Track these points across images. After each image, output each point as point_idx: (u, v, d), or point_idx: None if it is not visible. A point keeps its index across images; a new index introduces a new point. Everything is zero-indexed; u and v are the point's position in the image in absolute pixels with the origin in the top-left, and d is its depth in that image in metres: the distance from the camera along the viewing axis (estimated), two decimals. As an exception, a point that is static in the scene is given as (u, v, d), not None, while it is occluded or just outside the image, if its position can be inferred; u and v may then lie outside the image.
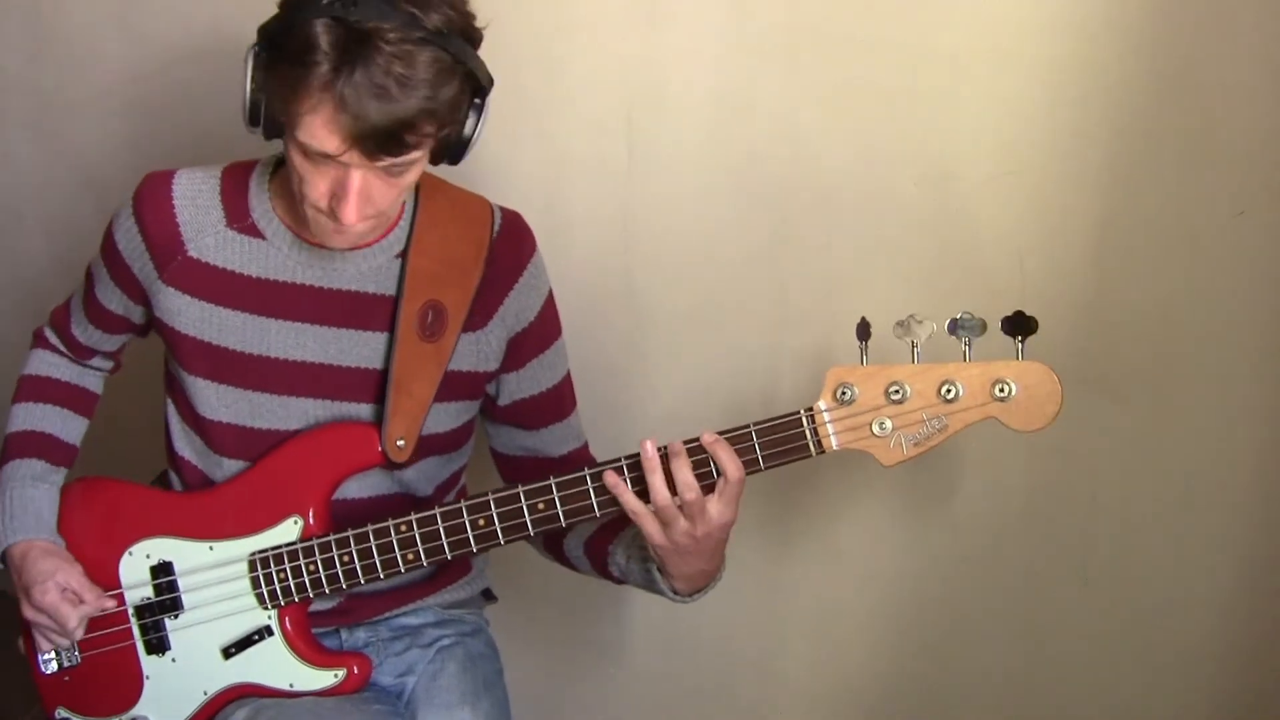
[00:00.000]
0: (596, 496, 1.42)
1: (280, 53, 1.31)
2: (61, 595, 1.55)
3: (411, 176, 1.38)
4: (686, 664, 2.04)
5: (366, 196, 1.36)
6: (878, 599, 1.83)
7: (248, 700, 1.55)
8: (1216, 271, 1.51)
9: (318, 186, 1.37)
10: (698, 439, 1.39)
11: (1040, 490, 1.67)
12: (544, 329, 1.61)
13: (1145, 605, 1.63)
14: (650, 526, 1.40)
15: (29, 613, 1.57)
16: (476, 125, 1.39)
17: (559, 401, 1.66)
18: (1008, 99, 1.58)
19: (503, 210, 1.59)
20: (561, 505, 1.43)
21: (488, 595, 1.80)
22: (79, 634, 1.56)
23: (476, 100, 1.38)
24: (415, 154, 1.34)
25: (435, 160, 1.41)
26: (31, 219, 2.56)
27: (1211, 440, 1.54)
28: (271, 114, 1.37)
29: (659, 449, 1.38)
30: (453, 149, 1.40)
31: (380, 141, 1.30)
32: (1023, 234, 1.61)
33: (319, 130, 1.30)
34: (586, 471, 1.43)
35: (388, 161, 1.32)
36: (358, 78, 1.26)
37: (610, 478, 1.40)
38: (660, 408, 1.95)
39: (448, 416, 1.58)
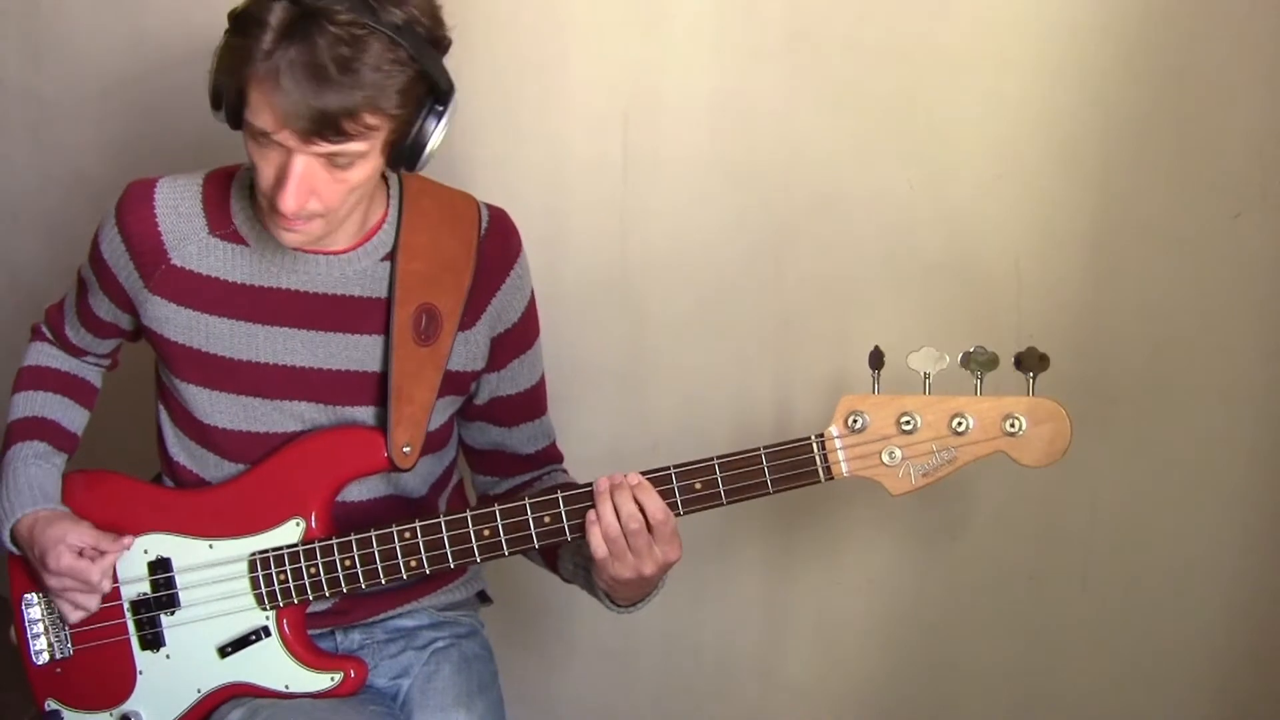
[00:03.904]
0: None
1: (235, 31, 1.32)
2: (76, 555, 1.52)
3: (359, 173, 1.36)
4: (685, 666, 2.05)
5: (309, 186, 1.34)
6: (877, 602, 1.85)
7: (243, 700, 1.55)
8: (1213, 273, 1.52)
9: (265, 172, 1.36)
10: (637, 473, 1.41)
11: (1039, 494, 1.68)
12: (526, 329, 1.61)
13: (1145, 609, 1.65)
14: (605, 569, 1.43)
15: (51, 580, 1.54)
16: (434, 131, 1.37)
17: (535, 401, 1.67)
18: (1004, 102, 1.59)
19: (489, 207, 1.59)
20: (568, 520, 1.44)
21: (483, 597, 1.81)
22: (106, 585, 1.53)
23: (439, 107, 1.36)
24: (356, 145, 1.32)
25: (391, 164, 1.39)
26: (29, 221, 2.53)
27: (1210, 442, 1.56)
28: (230, 99, 1.35)
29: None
30: (406, 152, 1.37)
31: (315, 123, 1.28)
32: (1019, 236, 1.62)
33: (258, 106, 1.30)
34: (593, 487, 1.43)
35: (327, 148, 1.31)
36: (294, 54, 1.26)
37: (591, 517, 1.42)
38: (658, 411, 1.96)
39: (438, 412, 1.58)
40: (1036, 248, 1.61)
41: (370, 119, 1.30)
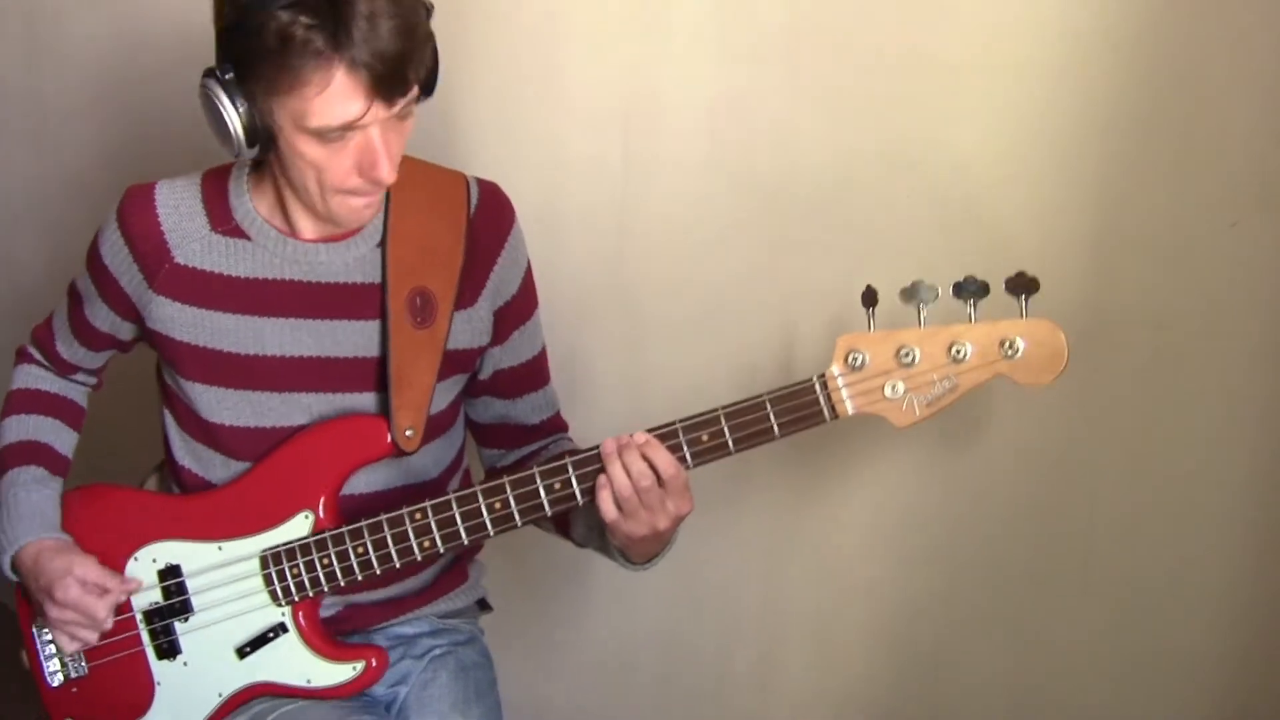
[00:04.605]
0: None
1: (255, 61, 1.32)
2: (84, 589, 1.52)
3: (412, 119, 1.41)
4: (681, 673, 2.04)
5: (390, 150, 1.38)
6: (876, 604, 1.84)
7: (248, 706, 1.55)
8: (1211, 281, 1.52)
9: (340, 168, 1.38)
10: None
11: (1039, 495, 1.68)
12: (525, 300, 1.63)
13: (1145, 608, 1.64)
14: (619, 528, 1.43)
15: (54, 612, 1.53)
16: (435, 48, 1.42)
17: (537, 371, 1.68)
18: (1003, 107, 1.59)
19: (480, 183, 1.60)
20: (578, 484, 1.44)
21: (483, 605, 1.80)
22: (109, 624, 1.54)
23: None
24: (416, 88, 1.37)
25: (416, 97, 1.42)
26: (27, 226, 2.53)
27: (1209, 446, 1.56)
28: (265, 127, 1.38)
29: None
30: (429, 78, 1.42)
31: (395, 84, 1.33)
32: (1018, 241, 1.61)
33: (337, 103, 1.32)
34: (601, 449, 1.44)
35: (401, 104, 1.35)
36: (355, 35, 1.29)
37: (600, 482, 1.42)
38: (656, 412, 1.90)
39: (443, 394, 1.59)
40: (1036, 253, 1.58)
41: (418, 56, 1.35)
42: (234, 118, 1.37)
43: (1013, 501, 1.70)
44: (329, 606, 1.59)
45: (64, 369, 1.69)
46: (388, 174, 1.37)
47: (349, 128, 1.34)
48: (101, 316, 1.59)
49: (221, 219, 1.52)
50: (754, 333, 1.83)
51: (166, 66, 2.23)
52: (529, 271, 1.62)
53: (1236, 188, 1.48)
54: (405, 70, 1.33)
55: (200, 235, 1.51)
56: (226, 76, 1.36)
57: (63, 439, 1.68)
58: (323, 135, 1.35)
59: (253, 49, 1.32)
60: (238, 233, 1.52)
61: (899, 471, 1.73)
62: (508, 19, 1.90)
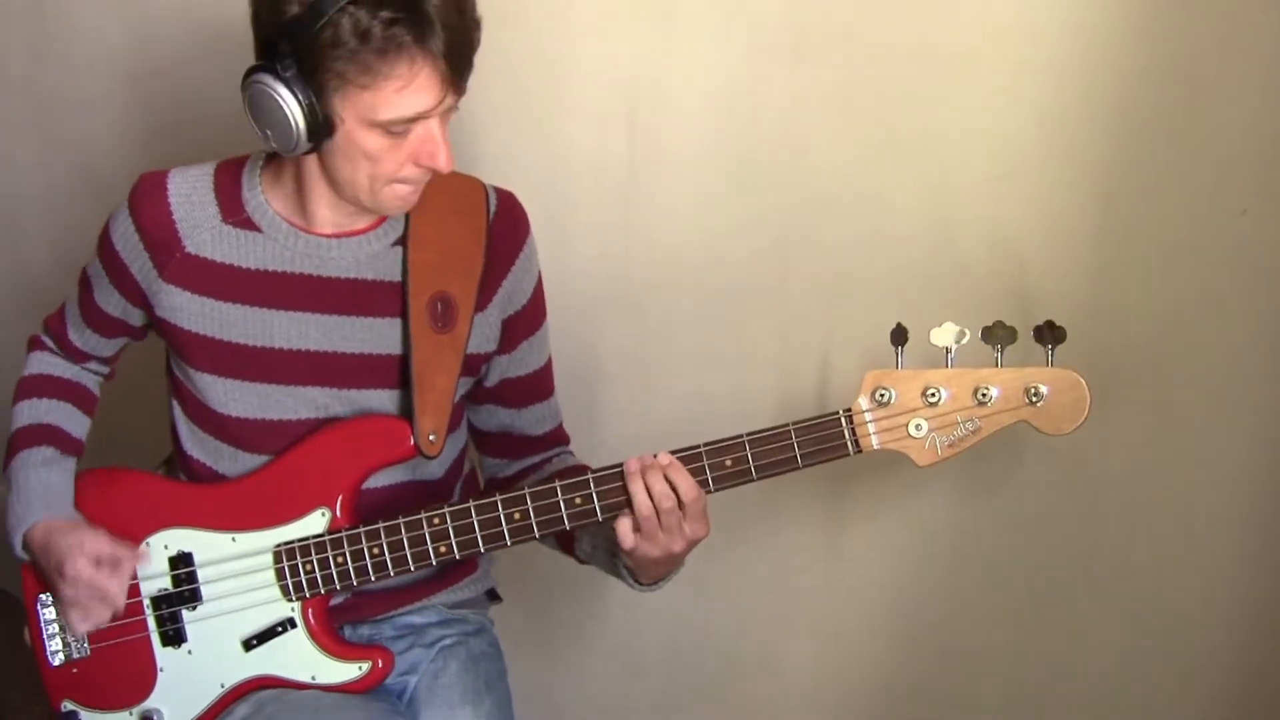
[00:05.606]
0: None
1: (325, 57, 1.33)
2: (95, 565, 1.50)
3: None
4: (690, 664, 2.06)
5: (446, 138, 1.41)
6: (880, 600, 1.86)
7: (250, 695, 1.55)
8: (1219, 271, 1.53)
9: (395, 159, 1.40)
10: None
11: (1043, 491, 1.70)
12: (535, 311, 1.64)
13: (1150, 604, 1.66)
14: (640, 549, 1.44)
15: (66, 590, 1.51)
16: None
17: (543, 383, 1.69)
18: (1008, 100, 1.60)
19: (497, 190, 1.61)
20: (599, 500, 1.46)
21: (492, 595, 1.81)
22: (122, 599, 1.51)
23: None
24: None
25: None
26: (33, 221, 2.52)
27: (1214, 440, 1.57)
28: (327, 121, 1.38)
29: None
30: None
31: (466, 71, 1.38)
32: (1023, 235, 1.63)
33: (415, 95, 1.35)
34: (624, 467, 1.45)
35: (462, 92, 1.39)
36: (436, 26, 1.32)
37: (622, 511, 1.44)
38: (660, 410, 1.97)
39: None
40: (1041, 246, 1.62)
41: (478, 42, 1.39)
42: (297, 114, 1.37)
43: (1016, 497, 1.72)
44: (358, 588, 1.58)
45: (77, 357, 1.69)
46: (446, 163, 1.40)
47: (418, 119, 1.37)
48: (113, 303, 1.59)
49: (233, 210, 1.53)
50: (759, 326, 1.84)
51: (175, 58, 2.24)
52: (540, 283, 1.64)
53: (1245, 176, 1.49)
54: (473, 57, 1.37)
55: (211, 225, 1.52)
56: (287, 73, 1.37)
57: (74, 422, 1.68)
58: (389, 128, 1.37)
59: (323, 45, 1.33)
60: (248, 224, 1.52)
61: (904, 469, 1.75)
62: (514, 14, 1.89)
